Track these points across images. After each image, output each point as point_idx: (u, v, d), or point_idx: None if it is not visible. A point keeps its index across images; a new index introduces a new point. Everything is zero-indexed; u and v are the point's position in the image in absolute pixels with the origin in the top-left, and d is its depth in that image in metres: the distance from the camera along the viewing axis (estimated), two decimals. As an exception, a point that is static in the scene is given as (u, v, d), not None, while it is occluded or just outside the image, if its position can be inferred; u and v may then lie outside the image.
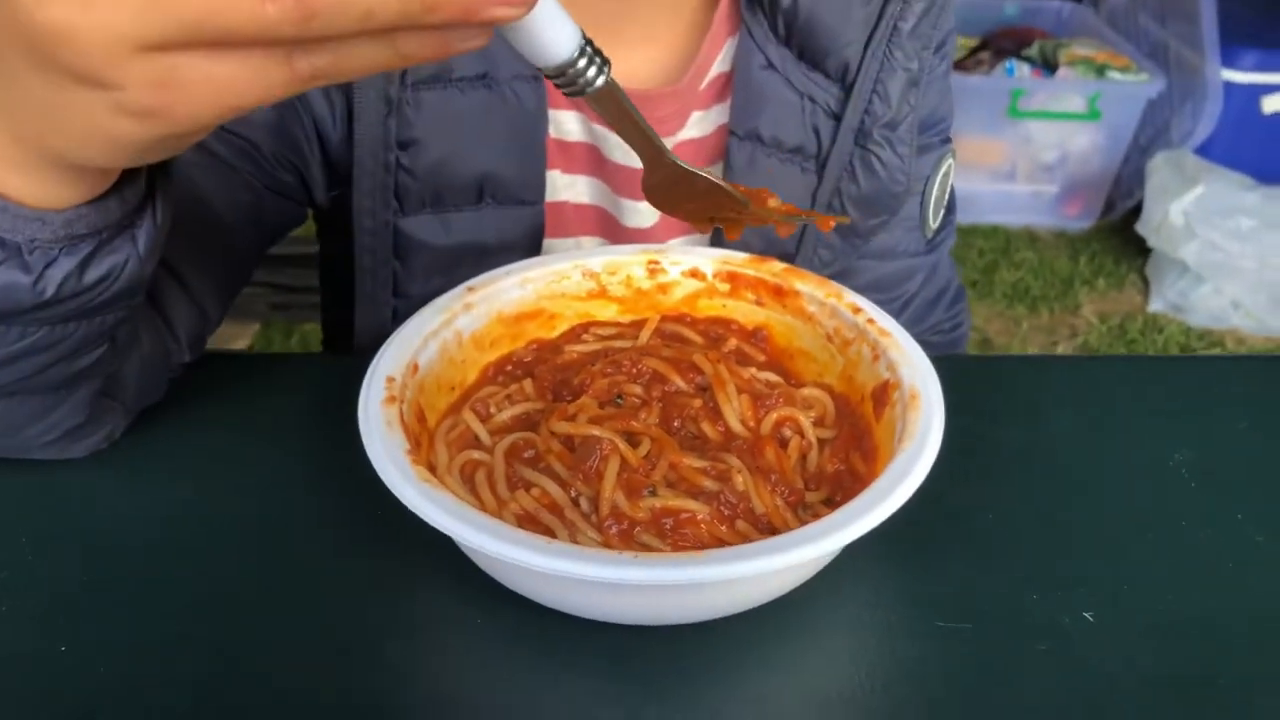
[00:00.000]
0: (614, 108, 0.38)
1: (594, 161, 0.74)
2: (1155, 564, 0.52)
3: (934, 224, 0.82)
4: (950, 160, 0.82)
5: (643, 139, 0.42)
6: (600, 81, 0.36)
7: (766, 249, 0.64)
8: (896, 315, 0.81)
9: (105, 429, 0.57)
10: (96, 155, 0.37)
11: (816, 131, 0.72)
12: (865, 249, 0.79)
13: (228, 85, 0.32)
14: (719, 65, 0.73)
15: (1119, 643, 0.48)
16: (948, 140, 0.82)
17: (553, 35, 0.33)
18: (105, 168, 0.41)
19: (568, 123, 0.72)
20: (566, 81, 0.35)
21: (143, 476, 0.57)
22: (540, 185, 0.71)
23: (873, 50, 0.69)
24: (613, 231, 0.76)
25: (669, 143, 0.73)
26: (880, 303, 0.81)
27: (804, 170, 0.74)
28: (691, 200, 0.47)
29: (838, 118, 0.72)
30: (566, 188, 0.75)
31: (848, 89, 0.71)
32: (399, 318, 0.73)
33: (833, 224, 0.50)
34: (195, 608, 0.49)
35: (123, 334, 0.52)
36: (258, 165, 0.65)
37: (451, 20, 0.30)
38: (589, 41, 0.35)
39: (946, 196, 0.83)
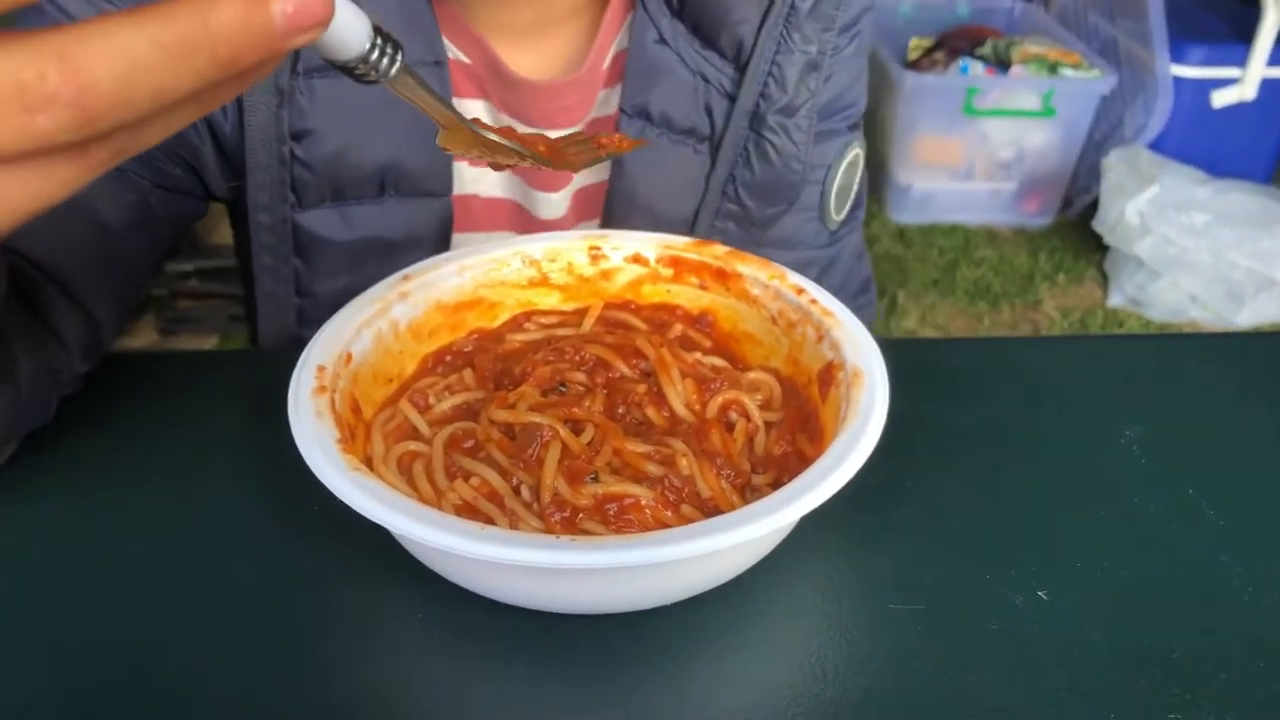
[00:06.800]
0: (408, 90, 0.38)
1: None
2: (1108, 540, 0.52)
3: (837, 216, 0.77)
4: (857, 149, 0.77)
5: (440, 111, 0.41)
6: (394, 70, 0.35)
7: None
8: None
9: None
10: None
11: (710, 112, 0.69)
12: (764, 238, 0.75)
13: (16, 196, 0.28)
14: (620, 41, 0.70)
15: (1073, 619, 0.47)
16: (856, 127, 0.77)
17: (345, 35, 0.33)
18: None
19: (475, 111, 0.69)
20: (361, 74, 0.35)
21: (59, 478, 0.55)
22: (447, 176, 0.68)
23: (768, 30, 0.65)
24: (525, 224, 0.74)
25: (575, 129, 0.70)
26: None
27: (696, 152, 0.70)
28: (490, 154, 0.46)
29: (732, 99, 0.68)
30: (476, 180, 0.71)
31: (742, 69, 0.67)
32: (304, 318, 0.70)
33: (629, 146, 0.49)
34: (116, 607, 0.47)
35: None
36: (143, 162, 0.63)
37: (253, 64, 0.28)
38: (379, 31, 0.34)
39: (855, 187, 0.79)
